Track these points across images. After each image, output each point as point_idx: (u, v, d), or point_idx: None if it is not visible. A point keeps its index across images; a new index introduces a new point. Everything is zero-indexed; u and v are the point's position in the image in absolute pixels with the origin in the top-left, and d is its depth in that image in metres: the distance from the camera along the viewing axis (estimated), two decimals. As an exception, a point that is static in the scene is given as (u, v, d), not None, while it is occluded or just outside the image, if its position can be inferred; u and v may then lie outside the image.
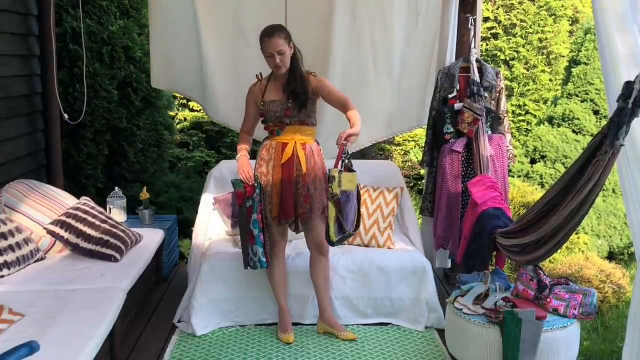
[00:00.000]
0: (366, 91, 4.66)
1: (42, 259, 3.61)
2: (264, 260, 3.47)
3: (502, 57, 7.27)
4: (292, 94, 3.47)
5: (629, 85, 2.32)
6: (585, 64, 6.03)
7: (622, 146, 2.42)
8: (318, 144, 3.66)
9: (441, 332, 3.71)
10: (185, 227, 5.57)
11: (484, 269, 3.47)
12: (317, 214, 3.54)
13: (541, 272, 3.20)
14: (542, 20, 7.21)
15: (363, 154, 5.85)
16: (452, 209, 4.20)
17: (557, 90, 7.14)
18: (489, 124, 4.21)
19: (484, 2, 7.16)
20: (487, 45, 7.33)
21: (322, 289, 3.68)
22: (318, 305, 3.74)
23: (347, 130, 3.31)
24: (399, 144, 7.35)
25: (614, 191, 5.81)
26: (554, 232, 2.77)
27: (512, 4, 7.32)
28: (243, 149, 3.57)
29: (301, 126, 3.52)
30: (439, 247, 4.31)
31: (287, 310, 3.72)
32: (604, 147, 2.47)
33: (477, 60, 4.23)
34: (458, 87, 4.23)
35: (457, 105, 4.17)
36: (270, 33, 3.39)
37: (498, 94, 4.28)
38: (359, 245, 4.11)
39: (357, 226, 3.54)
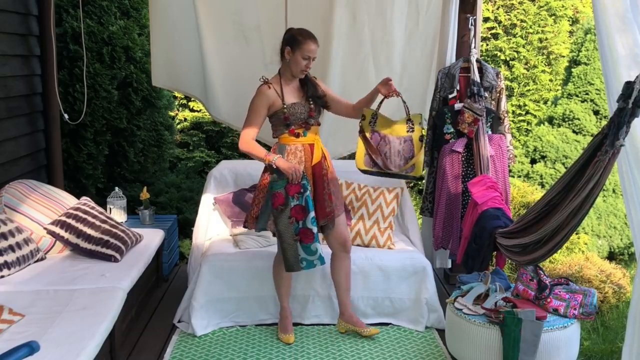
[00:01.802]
0: (366, 91, 4.65)
1: (42, 259, 3.61)
2: (323, 256, 3.42)
3: (502, 57, 7.26)
4: (313, 97, 3.50)
5: (629, 85, 2.32)
6: (585, 64, 6.02)
7: (622, 146, 2.42)
8: None
9: (441, 332, 3.72)
10: (185, 227, 5.57)
11: (484, 269, 3.47)
12: (341, 210, 3.58)
13: (541, 272, 3.20)
14: (542, 20, 7.21)
15: (363, 154, 5.85)
16: (452, 209, 4.20)
17: (557, 90, 7.14)
18: (489, 124, 4.21)
19: (484, 2, 7.15)
20: (487, 45, 7.33)
21: (344, 287, 3.67)
22: (338, 304, 3.73)
23: (387, 85, 3.43)
24: (399, 144, 7.34)
25: (614, 191, 5.81)
26: (554, 232, 2.77)
27: (512, 4, 7.32)
28: (271, 153, 3.45)
29: (317, 127, 3.57)
30: (438, 247, 4.31)
31: (289, 311, 3.72)
32: (604, 147, 2.47)
33: (477, 60, 4.23)
34: (458, 87, 4.23)
35: (457, 105, 4.17)
36: (313, 37, 3.40)
37: (498, 94, 4.28)
38: (359, 245, 4.10)
39: (416, 172, 3.58)
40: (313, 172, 3.49)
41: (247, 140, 3.45)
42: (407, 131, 3.55)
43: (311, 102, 3.50)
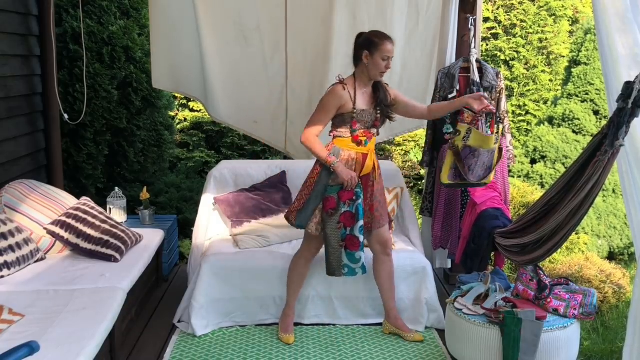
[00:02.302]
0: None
1: (42, 259, 3.61)
2: (366, 265, 3.45)
3: (502, 57, 7.27)
4: (381, 105, 3.46)
5: (628, 85, 2.32)
6: (585, 64, 6.03)
7: (621, 146, 2.42)
8: None
9: (441, 332, 3.72)
10: (185, 227, 5.57)
11: (483, 269, 3.47)
12: (385, 220, 3.59)
13: (541, 272, 3.20)
14: (542, 20, 7.21)
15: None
16: (451, 208, 4.20)
17: (557, 90, 7.14)
18: (488, 124, 4.20)
19: (484, 2, 7.16)
20: (487, 45, 7.33)
21: (388, 289, 3.68)
22: (384, 306, 3.73)
23: (480, 101, 3.40)
24: (399, 144, 7.35)
25: (614, 191, 5.81)
26: (553, 232, 2.77)
27: (512, 4, 7.32)
28: (331, 155, 3.38)
29: (375, 137, 3.54)
30: (437, 247, 4.31)
31: (293, 311, 3.73)
32: (603, 147, 2.47)
33: (477, 61, 4.23)
34: (458, 87, 4.23)
35: (457, 105, 4.17)
36: (388, 37, 3.36)
37: (498, 94, 4.28)
38: (359, 245, 4.10)
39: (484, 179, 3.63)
40: (360, 182, 3.45)
41: (311, 135, 3.39)
42: (494, 143, 3.53)
43: (378, 111, 3.46)
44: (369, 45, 3.35)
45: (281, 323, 3.73)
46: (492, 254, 3.72)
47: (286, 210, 3.63)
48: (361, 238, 3.37)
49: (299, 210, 3.47)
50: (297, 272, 3.65)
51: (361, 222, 3.36)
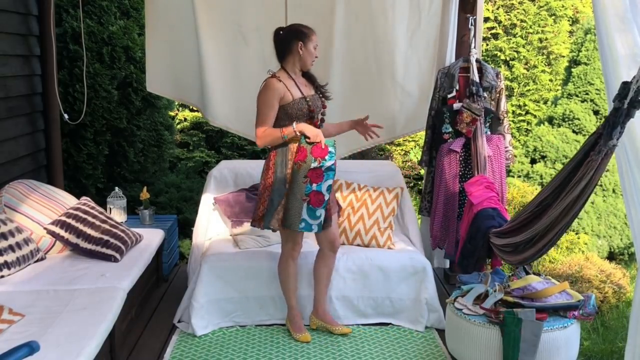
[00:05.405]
0: (368, 93, 4.65)
1: (42, 259, 3.61)
2: (323, 224, 3.41)
3: (502, 57, 7.27)
4: (320, 87, 3.56)
5: (625, 86, 2.32)
6: (585, 64, 6.02)
7: (614, 146, 2.42)
8: None
9: (441, 332, 3.72)
10: (185, 227, 5.57)
11: (479, 270, 3.47)
12: (335, 209, 3.63)
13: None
14: (542, 20, 7.21)
15: (363, 154, 5.85)
16: (449, 208, 4.20)
17: (557, 90, 7.14)
18: (487, 124, 4.21)
19: (484, 2, 7.16)
20: (487, 45, 7.33)
21: (324, 284, 3.69)
22: (314, 299, 3.74)
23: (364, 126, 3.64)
24: (399, 144, 7.35)
25: (614, 191, 5.81)
26: (544, 232, 2.77)
27: (512, 4, 7.32)
28: (287, 127, 3.34)
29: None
30: (435, 246, 4.31)
31: (298, 310, 3.72)
32: (597, 146, 2.47)
33: (477, 61, 4.23)
34: (457, 87, 4.23)
35: (456, 105, 4.17)
36: (312, 28, 3.48)
37: (498, 94, 4.28)
38: (358, 245, 4.10)
39: None
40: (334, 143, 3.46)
41: (263, 133, 3.36)
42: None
43: (321, 96, 3.54)
44: (301, 36, 3.43)
45: (291, 325, 3.71)
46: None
47: (251, 220, 3.58)
48: (327, 196, 3.34)
49: (264, 214, 3.41)
50: (290, 275, 3.62)
51: (330, 182, 3.34)
